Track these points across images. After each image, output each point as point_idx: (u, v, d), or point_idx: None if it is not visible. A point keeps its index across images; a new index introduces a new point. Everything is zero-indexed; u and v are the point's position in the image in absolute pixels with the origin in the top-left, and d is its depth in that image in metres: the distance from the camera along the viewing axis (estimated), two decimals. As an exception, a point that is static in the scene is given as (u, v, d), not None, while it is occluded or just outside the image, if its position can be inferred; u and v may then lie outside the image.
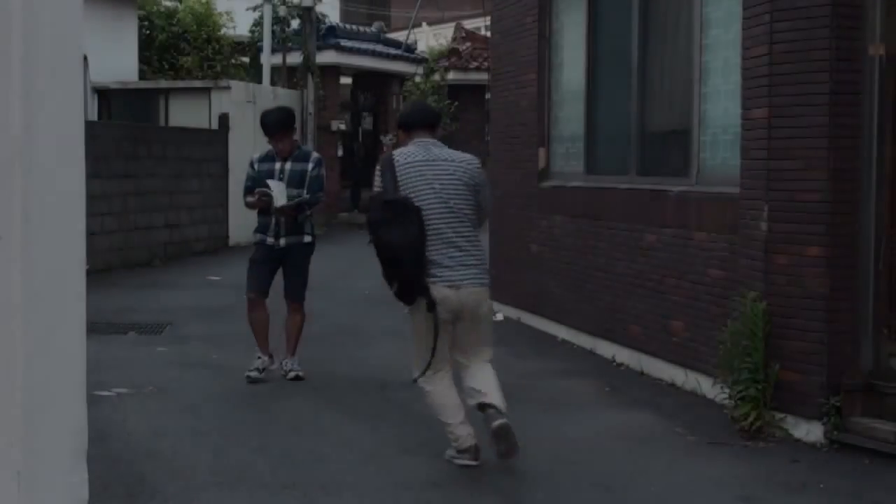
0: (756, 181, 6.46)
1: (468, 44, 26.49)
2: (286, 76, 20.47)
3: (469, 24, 27.50)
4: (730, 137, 7.02)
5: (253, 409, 6.78)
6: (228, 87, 17.32)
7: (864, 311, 6.11)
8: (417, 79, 25.68)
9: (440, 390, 5.62)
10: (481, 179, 5.75)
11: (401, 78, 24.47)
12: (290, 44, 20.83)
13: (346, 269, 12.91)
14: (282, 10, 21.12)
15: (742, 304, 6.32)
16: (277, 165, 7.47)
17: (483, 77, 23.17)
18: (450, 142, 26.48)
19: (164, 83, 18.66)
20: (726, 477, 5.56)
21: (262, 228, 7.53)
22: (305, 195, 7.40)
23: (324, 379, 7.56)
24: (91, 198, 12.54)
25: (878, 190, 6.09)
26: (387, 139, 23.76)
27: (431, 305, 5.42)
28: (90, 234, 12.65)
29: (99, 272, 12.38)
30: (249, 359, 7.80)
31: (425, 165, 5.57)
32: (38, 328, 1.50)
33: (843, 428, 6.01)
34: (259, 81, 19.75)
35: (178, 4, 21.69)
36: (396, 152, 5.73)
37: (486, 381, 5.57)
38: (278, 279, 7.60)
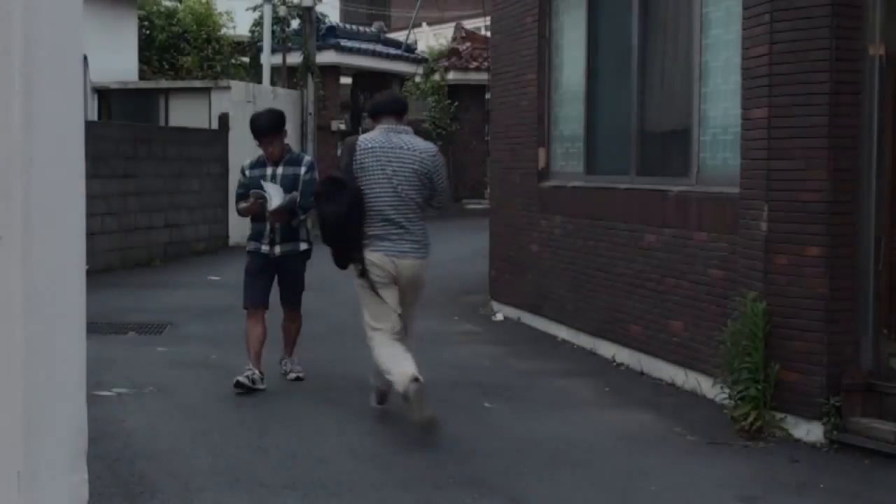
0: (756, 181, 6.46)
1: (468, 44, 26.48)
2: (286, 76, 20.47)
3: (469, 24, 27.50)
4: (730, 137, 7.02)
5: (253, 409, 6.78)
6: (228, 87, 17.32)
7: (864, 311, 6.11)
8: (417, 79, 25.67)
9: (384, 341, 6.22)
10: (434, 167, 6.31)
11: (401, 78, 24.46)
12: (290, 44, 20.83)
13: (346, 269, 12.88)
14: (282, 10, 21.12)
15: (742, 304, 6.32)
16: (269, 171, 7.29)
17: (483, 77, 23.16)
18: (450, 142, 26.21)
19: (164, 83, 18.66)
20: (726, 477, 5.56)
21: (256, 236, 7.35)
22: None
23: (324, 379, 7.56)
24: (91, 198, 12.54)
25: (878, 190, 6.09)
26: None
27: (363, 272, 6.21)
28: (90, 234, 12.64)
29: (99, 272, 12.38)
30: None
31: (381, 151, 6.22)
32: (38, 328, 1.50)
33: (843, 428, 6.01)
34: (259, 81, 19.75)
35: (178, 4, 21.69)
36: (360, 137, 6.38)
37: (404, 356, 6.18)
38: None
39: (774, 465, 5.75)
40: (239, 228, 16.23)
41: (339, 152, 6.49)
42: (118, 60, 18.18)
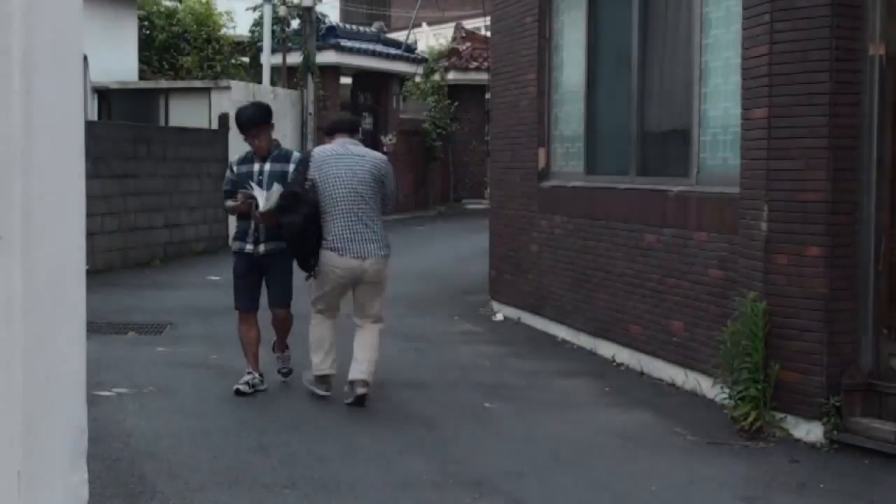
0: (756, 181, 6.46)
1: (468, 44, 26.49)
2: (286, 76, 20.47)
3: (469, 24, 27.50)
4: (730, 137, 7.03)
5: (253, 409, 6.78)
6: (228, 87, 17.31)
7: (864, 311, 6.11)
8: (417, 79, 25.68)
9: (322, 328, 7.01)
10: (386, 172, 7.09)
11: (401, 78, 24.47)
12: (290, 44, 20.83)
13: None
14: (282, 10, 21.12)
15: (742, 304, 6.32)
16: (256, 167, 7.13)
17: (483, 77, 23.17)
18: (450, 142, 26.23)
19: (164, 83, 18.66)
20: (726, 477, 5.56)
21: (240, 235, 7.21)
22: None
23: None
24: (91, 198, 12.53)
25: (878, 190, 6.09)
26: (387, 139, 23.77)
27: (316, 274, 6.92)
28: (90, 234, 12.64)
29: (99, 272, 12.38)
30: (249, 359, 7.80)
31: (338, 158, 6.94)
32: (38, 328, 1.49)
33: (843, 428, 6.01)
34: (259, 81, 19.75)
35: (178, 4, 21.68)
36: (317, 148, 7.17)
37: (361, 355, 6.91)
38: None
39: (774, 465, 5.75)
40: (239, 228, 16.23)
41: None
42: (118, 60, 18.17)
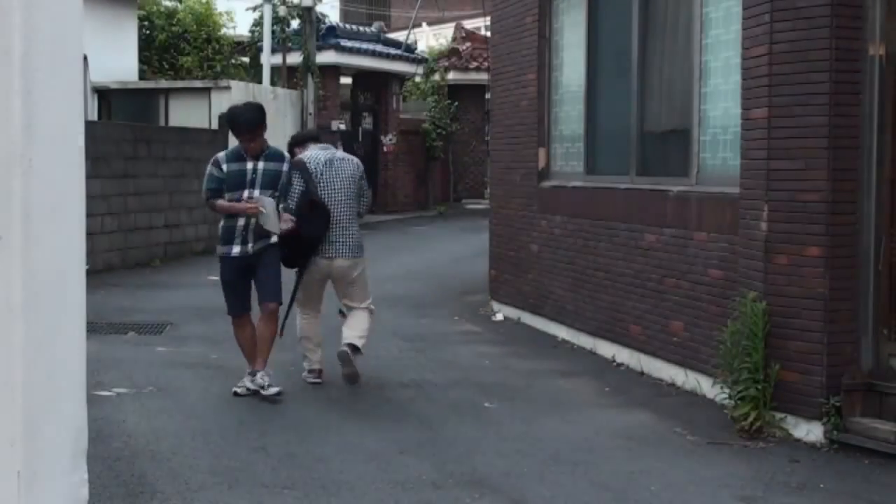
0: (756, 181, 6.46)
1: (468, 44, 26.48)
2: (286, 76, 20.47)
3: (469, 24, 27.50)
4: (730, 137, 7.03)
5: (253, 409, 6.77)
6: (228, 87, 17.32)
7: (864, 311, 6.11)
8: (417, 79, 25.68)
9: (309, 324, 7.50)
10: (363, 173, 7.60)
11: (401, 78, 24.47)
12: (290, 44, 20.83)
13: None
14: (282, 10, 21.12)
15: (742, 304, 6.32)
16: (249, 165, 6.96)
17: (483, 77, 23.17)
18: (450, 142, 26.18)
19: (164, 83, 18.66)
20: (726, 477, 5.56)
21: (227, 237, 6.97)
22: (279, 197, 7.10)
23: (324, 379, 7.55)
24: (91, 198, 12.53)
25: (878, 190, 6.09)
26: (387, 139, 23.77)
27: (304, 271, 7.38)
28: (90, 234, 12.64)
29: (99, 272, 12.38)
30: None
31: (333, 163, 7.40)
32: (38, 328, 1.50)
33: (843, 428, 6.01)
34: (259, 81, 19.75)
35: (178, 4, 21.68)
36: (306, 157, 7.40)
37: (353, 325, 7.44)
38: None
39: (774, 465, 5.75)
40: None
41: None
42: (118, 60, 18.17)
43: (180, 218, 15.27)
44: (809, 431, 6.15)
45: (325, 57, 21.06)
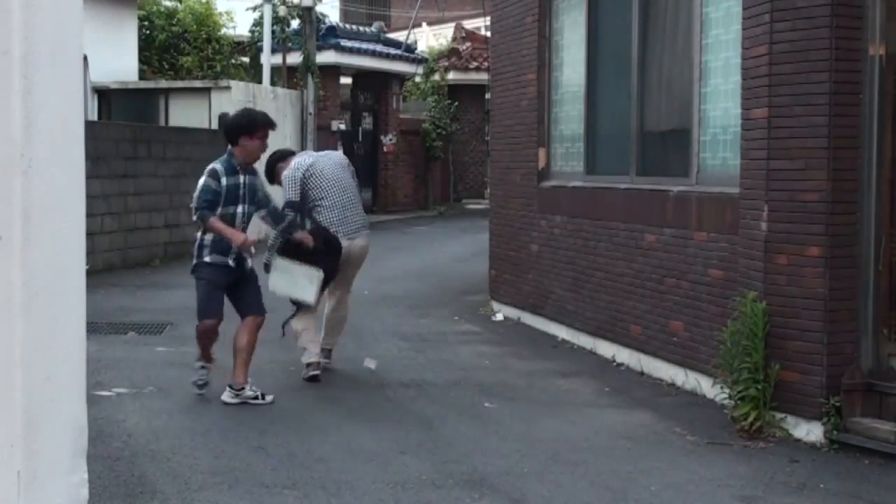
0: (756, 181, 6.46)
1: (468, 44, 26.49)
2: (286, 76, 20.47)
3: (469, 24, 27.50)
4: (730, 137, 7.03)
5: (253, 409, 6.77)
6: (228, 87, 17.32)
7: (864, 311, 6.11)
8: (417, 79, 25.69)
9: (310, 317, 7.66)
10: (348, 162, 8.12)
11: (401, 78, 24.47)
12: (290, 44, 20.82)
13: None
14: (282, 10, 21.11)
15: (742, 304, 6.32)
16: (241, 179, 6.86)
17: (483, 77, 23.17)
18: (450, 142, 26.16)
19: (164, 83, 18.66)
20: (726, 477, 5.56)
21: (222, 249, 6.81)
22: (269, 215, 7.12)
23: (324, 379, 7.56)
24: (91, 198, 12.53)
25: (878, 190, 6.09)
26: (387, 139, 23.77)
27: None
28: (90, 234, 12.63)
29: (99, 272, 12.38)
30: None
31: (328, 162, 7.82)
32: (38, 328, 1.50)
33: (843, 428, 6.01)
34: (259, 81, 19.75)
35: (178, 4, 21.68)
36: (306, 161, 7.74)
37: (336, 331, 8.05)
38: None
39: (774, 465, 5.75)
40: (239, 228, 16.23)
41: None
42: (118, 60, 18.18)
43: (180, 218, 15.26)
44: (809, 431, 6.15)
45: (325, 57, 21.06)
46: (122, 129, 14.80)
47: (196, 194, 6.83)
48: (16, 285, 1.45)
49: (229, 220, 6.80)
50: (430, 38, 28.63)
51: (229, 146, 6.98)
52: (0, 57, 1.43)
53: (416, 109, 26.04)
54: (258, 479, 5.36)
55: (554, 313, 9.54)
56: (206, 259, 6.84)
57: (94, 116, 17.00)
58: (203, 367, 7.02)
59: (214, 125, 16.69)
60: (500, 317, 10.64)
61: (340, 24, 23.89)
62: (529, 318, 10.10)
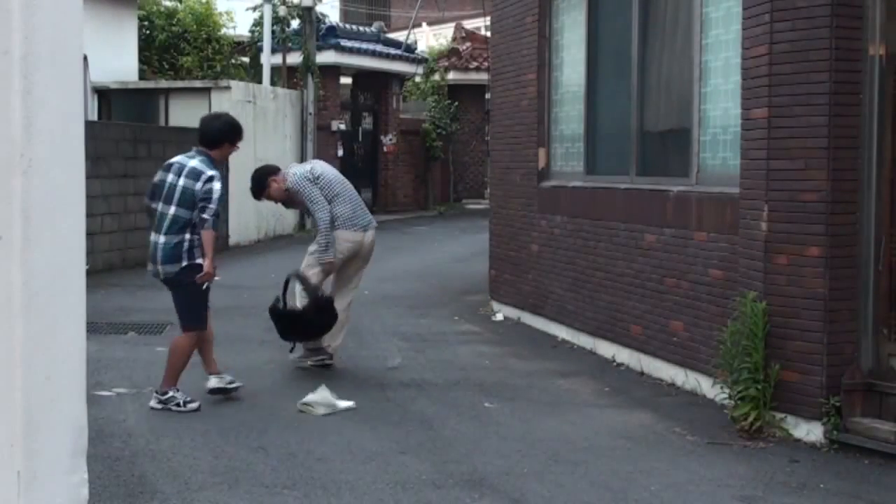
0: (756, 181, 6.46)
1: (468, 44, 26.49)
2: (286, 76, 20.47)
3: (469, 24, 27.51)
4: (730, 137, 7.03)
5: (253, 409, 6.78)
6: (228, 87, 17.31)
7: (864, 311, 6.11)
8: (417, 79, 25.68)
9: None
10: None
11: (401, 78, 24.47)
12: (290, 44, 20.82)
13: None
14: (282, 10, 21.11)
15: (742, 304, 6.32)
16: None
17: (483, 77, 23.17)
18: (450, 142, 26.18)
19: (164, 83, 18.65)
20: (726, 477, 5.56)
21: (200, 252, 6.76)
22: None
23: (324, 379, 7.55)
24: (91, 198, 12.52)
25: (878, 190, 6.09)
26: (387, 139, 23.76)
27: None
28: (90, 234, 12.63)
29: (99, 272, 12.38)
30: (249, 358, 7.80)
31: (325, 173, 7.96)
32: (38, 328, 1.50)
33: (843, 428, 6.01)
34: (259, 81, 19.74)
35: (178, 4, 21.68)
36: (304, 176, 7.82)
37: (337, 333, 7.99)
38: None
39: (774, 465, 5.75)
40: (239, 228, 16.24)
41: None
42: (118, 60, 18.17)
43: (180, 218, 15.26)
44: (809, 431, 6.15)
45: (325, 57, 21.06)
46: (122, 128, 14.80)
47: (215, 197, 6.64)
48: (16, 285, 1.45)
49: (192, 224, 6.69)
50: (430, 38, 28.63)
51: (202, 148, 6.85)
52: (0, 57, 1.43)
53: (416, 109, 26.03)
54: (258, 479, 5.36)
55: (554, 313, 9.54)
56: (198, 261, 6.69)
57: (94, 116, 17.00)
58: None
59: (214, 125, 16.66)
60: (500, 317, 10.64)
61: (340, 24, 23.89)
62: (529, 318, 10.10)
